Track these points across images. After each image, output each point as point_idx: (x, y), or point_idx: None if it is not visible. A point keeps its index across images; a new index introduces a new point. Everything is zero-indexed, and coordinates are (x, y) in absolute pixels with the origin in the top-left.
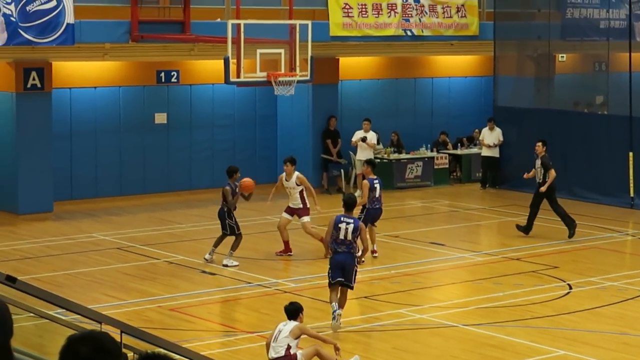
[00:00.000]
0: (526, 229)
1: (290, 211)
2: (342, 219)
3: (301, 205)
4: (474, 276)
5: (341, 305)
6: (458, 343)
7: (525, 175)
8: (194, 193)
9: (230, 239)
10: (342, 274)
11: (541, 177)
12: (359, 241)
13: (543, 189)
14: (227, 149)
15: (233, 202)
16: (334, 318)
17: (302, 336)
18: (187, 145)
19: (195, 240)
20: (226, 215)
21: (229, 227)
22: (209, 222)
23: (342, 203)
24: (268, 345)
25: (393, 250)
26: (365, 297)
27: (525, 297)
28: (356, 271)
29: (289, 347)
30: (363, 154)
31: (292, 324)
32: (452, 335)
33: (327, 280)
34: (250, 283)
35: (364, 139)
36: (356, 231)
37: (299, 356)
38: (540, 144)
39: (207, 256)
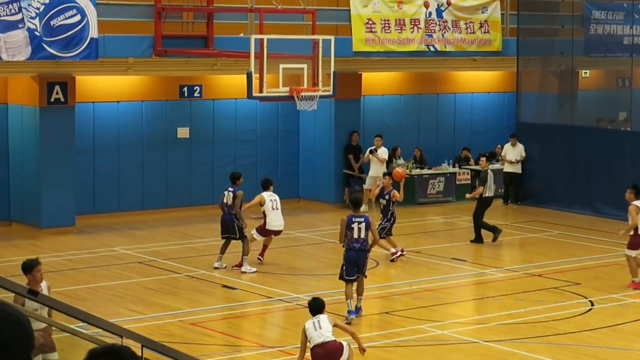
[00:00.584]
0: (477, 239)
1: None
2: (353, 219)
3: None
4: (495, 292)
5: (360, 292)
6: (479, 359)
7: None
8: (216, 207)
9: (236, 247)
10: (356, 269)
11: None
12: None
13: (468, 195)
14: (250, 164)
15: (239, 206)
16: (347, 319)
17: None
18: (209, 160)
19: (216, 254)
20: (234, 219)
21: (239, 230)
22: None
23: (350, 203)
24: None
25: (414, 266)
26: (387, 313)
27: (546, 314)
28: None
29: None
30: (374, 169)
31: (325, 315)
32: (473, 352)
33: (340, 274)
34: (271, 298)
35: (372, 152)
36: (368, 227)
37: (344, 345)
38: (484, 159)
39: (216, 264)
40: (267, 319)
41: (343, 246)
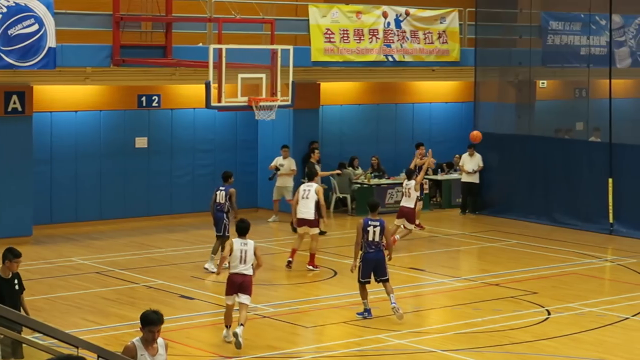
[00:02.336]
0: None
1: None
2: (369, 222)
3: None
4: (453, 302)
5: (390, 291)
6: None
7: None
8: (175, 217)
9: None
10: (373, 271)
11: None
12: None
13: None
14: (208, 174)
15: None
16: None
17: None
18: (167, 170)
19: (175, 264)
20: (225, 217)
21: (224, 228)
22: (189, 246)
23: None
24: (224, 260)
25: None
26: (345, 322)
27: (504, 323)
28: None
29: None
30: (281, 180)
31: (252, 242)
32: None
33: (357, 278)
34: None
35: (277, 169)
36: (383, 231)
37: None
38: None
39: (207, 265)
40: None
41: (360, 249)
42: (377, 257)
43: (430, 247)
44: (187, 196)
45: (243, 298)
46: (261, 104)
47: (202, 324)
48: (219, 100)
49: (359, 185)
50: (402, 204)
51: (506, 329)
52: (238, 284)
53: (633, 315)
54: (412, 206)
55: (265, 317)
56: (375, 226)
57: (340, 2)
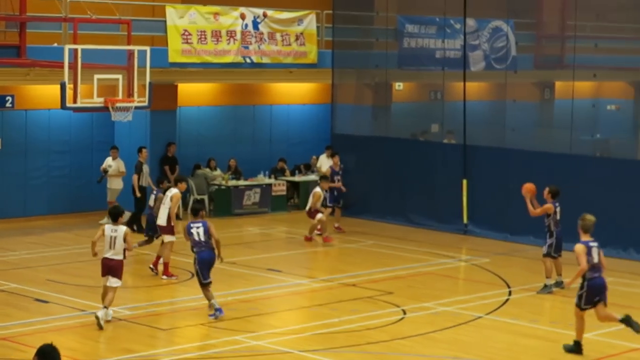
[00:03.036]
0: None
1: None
2: (191, 225)
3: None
4: (310, 302)
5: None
6: None
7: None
8: (29, 220)
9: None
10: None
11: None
12: None
13: None
14: (63, 175)
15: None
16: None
17: None
18: (21, 172)
19: (29, 268)
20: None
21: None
22: (44, 249)
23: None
24: (94, 244)
25: (230, 277)
26: (202, 324)
27: (361, 323)
28: None
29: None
30: (112, 182)
31: (122, 228)
32: None
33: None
34: (84, 311)
35: (105, 171)
36: (207, 231)
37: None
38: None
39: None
40: (81, 332)
41: (193, 251)
42: (209, 256)
43: (287, 249)
44: (42, 198)
45: (112, 281)
46: (118, 105)
47: (58, 328)
48: (75, 101)
49: (216, 187)
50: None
51: (363, 329)
52: (108, 268)
53: (486, 314)
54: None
55: (121, 320)
56: (197, 227)
57: (197, 3)
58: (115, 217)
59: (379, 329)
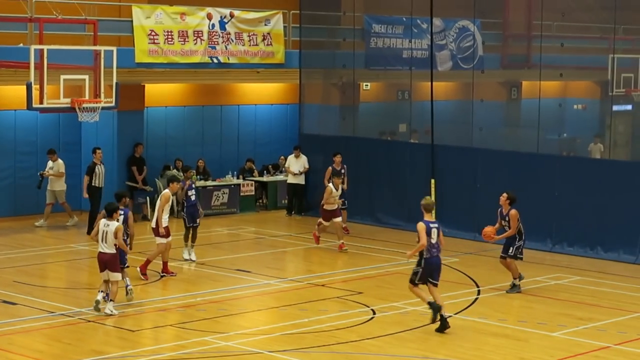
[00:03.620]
0: None
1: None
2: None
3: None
4: (279, 302)
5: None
6: None
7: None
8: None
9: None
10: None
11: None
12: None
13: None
14: (30, 176)
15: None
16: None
17: None
18: None
19: (3, 268)
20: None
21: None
22: (10, 250)
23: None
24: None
25: (199, 278)
26: (171, 325)
27: (330, 323)
28: None
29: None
30: (52, 183)
31: (115, 224)
32: None
33: (411, 278)
34: (53, 312)
35: (42, 175)
36: (126, 220)
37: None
38: None
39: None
40: (49, 334)
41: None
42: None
43: (256, 249)
44: (8, 199)
45: (112, 276)
46: (84, 105)
47: (25, 330)
48: (41, 102)
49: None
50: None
51: (332, 329)
52: (103, 262)
53: (455, 314)
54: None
55: (90, 321)
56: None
57: (164, 4)
58: (110, 213)
59: (348, 329)
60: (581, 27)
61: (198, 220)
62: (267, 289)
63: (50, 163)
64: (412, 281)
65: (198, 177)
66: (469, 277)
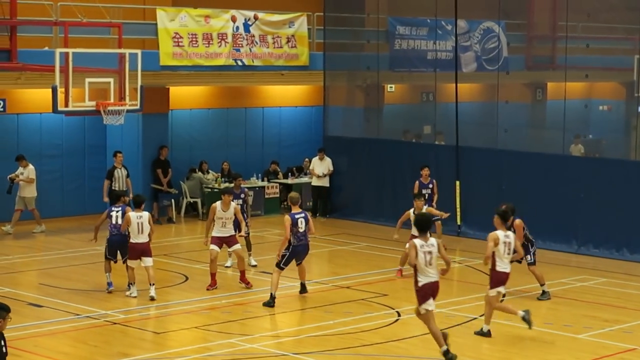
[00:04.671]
0: None
1: (220, 242)
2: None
3: (233, 233)
4: (304, 305)
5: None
6: None
7: None
8: (22, 224)
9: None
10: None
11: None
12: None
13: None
14: (55, 179)
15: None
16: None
17: None
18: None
19: (21, 272)
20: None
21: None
22: (36, 253)
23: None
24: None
25: (224, 280)
26: (196, 327)
27: (355, 325)
28: None
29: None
30: (25, 190)
31: (146, 214)
32: None
33: (277, 262)
34: (78, 315)
35: (12, 179)
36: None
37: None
38: None
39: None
40: (74, 336)
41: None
42: (119, 240)
43: None
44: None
45: (146, 261)
46: (109, 108)
47: (51, 332)
48: (66, 105)
49: (209, 190)
50: None
51: (357, 331)
52: (140, 251)
53: (480, 316)
54: None
55: (115, 323)
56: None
57: (188, 6)
58: (138, 204)
59: (373, 331)
60: (607, 27)
61: (244, 230)
62: (293, 291)
63: (20, 169)
64: (277, 264)
65: (222, 179)
66: None
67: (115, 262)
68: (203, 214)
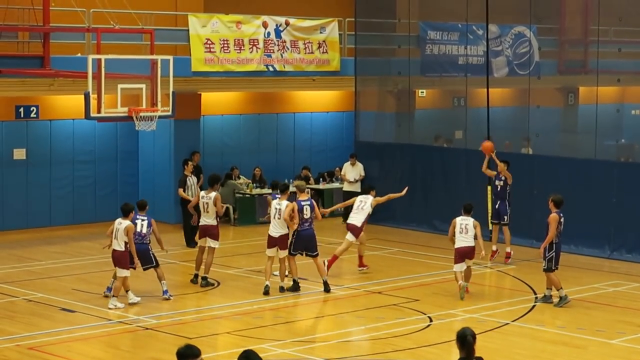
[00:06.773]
0: None
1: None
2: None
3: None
4: (336, 310)
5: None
6: None
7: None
8: (54, 230)
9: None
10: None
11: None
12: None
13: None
14: (88, 185)
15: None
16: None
17: None
18: (46, 182)
19: (54, 277)
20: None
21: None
22: (69, 258)
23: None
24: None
25: (255, 285)
26: (228, 333)
27: (386, 330)
28: None
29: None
30: None
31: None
32: None
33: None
34: (111, 320)
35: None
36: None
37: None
38: None
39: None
40: (106, 341)
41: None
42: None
43: None
44: (67, 208)
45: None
46: (141, 114)
47: (84, 337)
48: (99, 111)
49: (240, 196)
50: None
51: (389, 337)
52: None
53: (512, 321)
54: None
55: (147, 329)
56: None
57: (220, 12)
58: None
59: (404, 337)
60: (639, 31)
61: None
62: (324, 296)
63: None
64: (289, 252)
65: (254, 184)
66: (526, 284)
67: (135, 269)
68: (234, 220)
